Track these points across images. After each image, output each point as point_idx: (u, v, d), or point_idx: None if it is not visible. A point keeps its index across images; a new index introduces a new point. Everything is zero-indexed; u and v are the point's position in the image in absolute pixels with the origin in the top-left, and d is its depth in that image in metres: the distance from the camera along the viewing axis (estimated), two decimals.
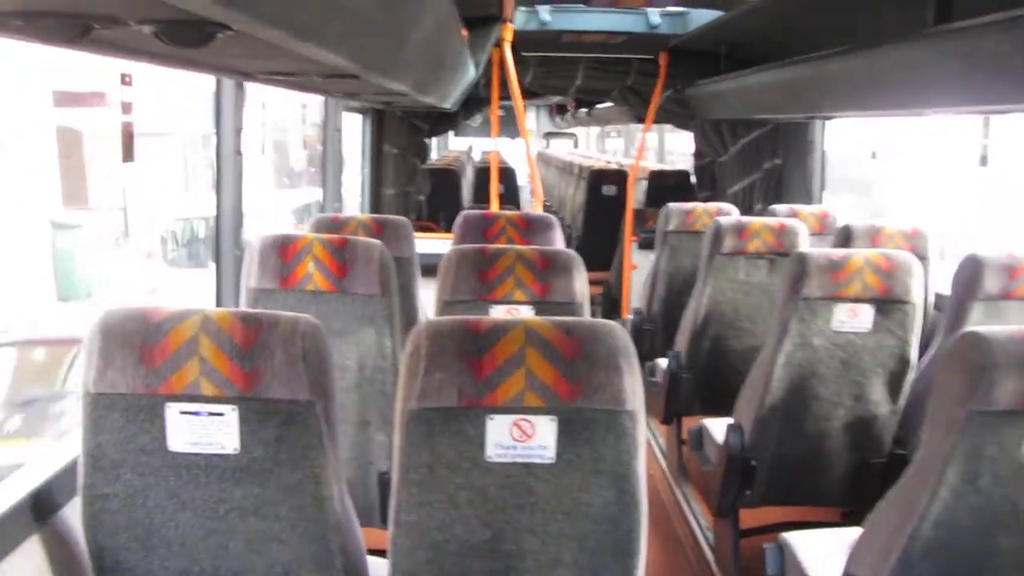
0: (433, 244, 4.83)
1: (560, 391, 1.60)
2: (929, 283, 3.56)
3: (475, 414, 1.61)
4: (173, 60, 1.79)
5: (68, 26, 1.19)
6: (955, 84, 2.49)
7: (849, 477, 2.98)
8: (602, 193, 7.95)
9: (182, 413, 1.65)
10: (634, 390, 1.63)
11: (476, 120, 9.41)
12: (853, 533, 2.17)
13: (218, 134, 3.25)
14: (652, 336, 4.69)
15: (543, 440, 1.62)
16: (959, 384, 1.72)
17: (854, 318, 2.80)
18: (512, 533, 1.67)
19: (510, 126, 7.44)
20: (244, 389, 1.63)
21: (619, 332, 1.65)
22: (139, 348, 1.62)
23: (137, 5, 1.12)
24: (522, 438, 1.62)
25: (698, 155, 6.30)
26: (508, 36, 4.44)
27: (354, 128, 6.05)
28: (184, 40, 1.26)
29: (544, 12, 4.62)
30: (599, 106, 10.76)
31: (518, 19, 4.55)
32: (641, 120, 6.71)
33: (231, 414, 1.65)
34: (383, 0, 1.61)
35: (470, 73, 3.99)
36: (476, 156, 14.06)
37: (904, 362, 2.84)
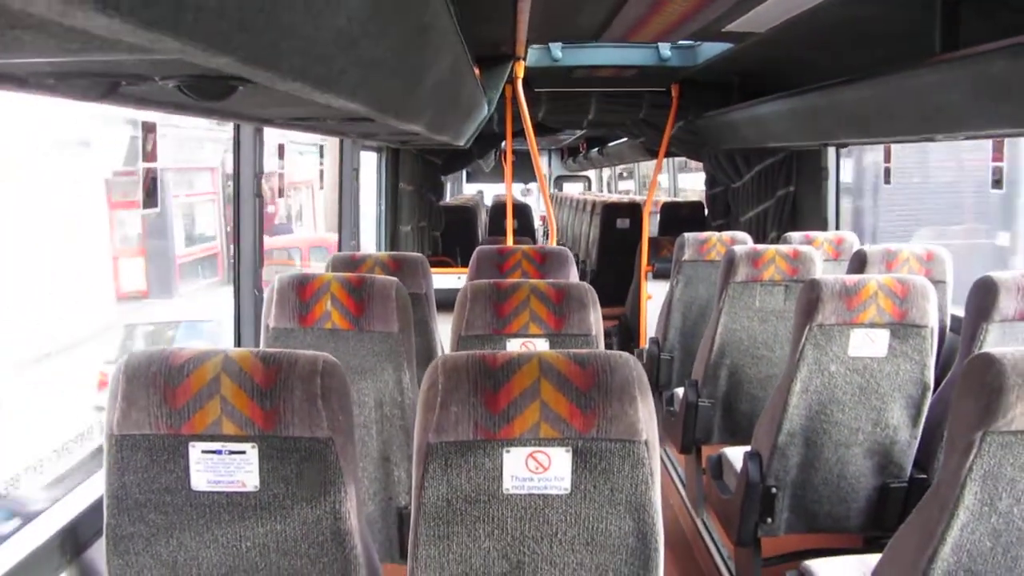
0: (449, 280, 4.87)
1: (575, 422, 1.62)
2: (947, 306, 3.56)
3: (492, 447, 1.63)
4: (195, 110, 1.85)
5: (98, 84, 1.25)
6: (963, 109, 2.52)
7: (870, 503, 2.97)
8: (616, 227, 7.98)
9: (204, 452, 1.67)
10: (648, 420, 1.64)
11: (490, 161, 9.44)
12: (876, 559, 2.17)
13: (236, 178, 3.31)
14: (669, 365, 4.70)
15: (558, 471, 1.64)
16: (974, 406, 1.73)
17: (870, 344, 2.80)
18: (531, 565, 1.68)
19: (522, 172, 7.43)
20: (264, 427, 1.66)
21: (632, 363, 1.68)
22: (162, 389, 1.66)
23: (162, 64, 1.17)
24: (538, 470, 1.64)
25: (710, 183, 6.32)
26: (520, 73, 4.50)
27: (368, 165, 6.10)
28: (207, 94, 1.31)
29: (556, 49, 4.68)
30: (611, 144, 10.77)
31: (530, 56, 4.61)
32: (654, 155, 6.74)
33: (251, 452, 1.68)
34: (397, 46, 1.65)
35: (483, 111, 4.04)
36: (487, 201, 14.12)
37: (922, 386, 2.84)
